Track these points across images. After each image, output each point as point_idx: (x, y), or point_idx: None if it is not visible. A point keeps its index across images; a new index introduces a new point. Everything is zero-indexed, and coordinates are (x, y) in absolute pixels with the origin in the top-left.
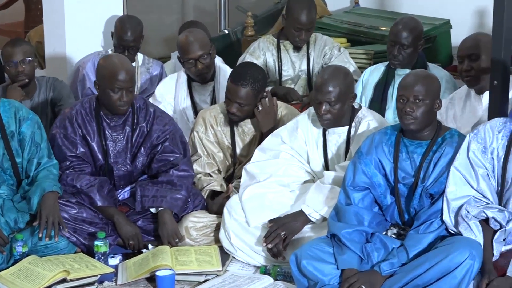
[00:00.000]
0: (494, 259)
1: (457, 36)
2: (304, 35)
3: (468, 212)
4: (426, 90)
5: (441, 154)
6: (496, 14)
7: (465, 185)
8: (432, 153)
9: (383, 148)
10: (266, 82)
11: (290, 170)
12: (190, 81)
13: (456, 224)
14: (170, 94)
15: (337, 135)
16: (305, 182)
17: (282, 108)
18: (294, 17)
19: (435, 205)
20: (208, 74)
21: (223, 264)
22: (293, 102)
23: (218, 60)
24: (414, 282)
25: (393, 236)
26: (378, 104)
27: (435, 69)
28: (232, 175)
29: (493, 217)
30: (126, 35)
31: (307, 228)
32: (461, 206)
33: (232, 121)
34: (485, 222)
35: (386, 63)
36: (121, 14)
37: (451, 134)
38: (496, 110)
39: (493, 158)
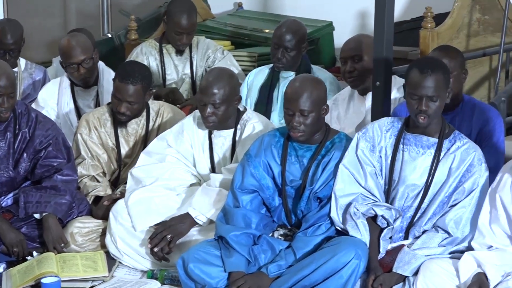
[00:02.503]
0: (380, 256)
1: (340, 38)
2: (185, 38)
3: (357, 209)
4: (311, 102)
5: (330, 158)
6: (377, 16)
7: (353, 182)
8: (321, 157)
9: (272, 151)
10: (151, 80)
11: (176, 173)
12: (73, 85)
13: (344, 221)
14: (53, 99)
15: (223, 138)
16: (192, 185)
17: (167, 110)
18: (175, 21)
19: (323, 208)
20: (91, 78)
21: (110, 269)
22: (179, 106)
23: (101, 64)
24: (302, 282)
25: (280, 237)
26: (263, 106)
27: (319, 71)
28: (118, 178)
29: (382, 215)
30: (6, 38)
31: (194, 231)
32: (349, 203)
33: (116, 122)
34: (372, 220)
35: (271, 65)
36: (0, 18)
37: (340, 138)
38: (379, 110)
39: (381, 157)
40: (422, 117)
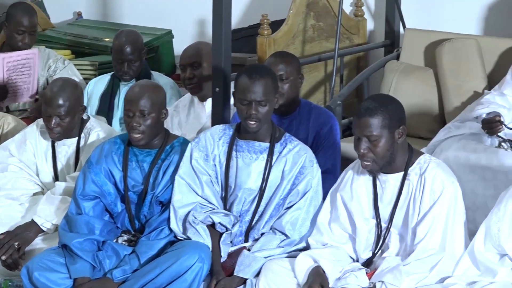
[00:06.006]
0: (222, 260)
1: (179, 46)
2: (28, 38)
3: (195, 218)
4: (151, 103)
5: (170, 162)
6: (215, 24)
7: (190, 192)
8: (161, 161)
9: (113, 158)
10: None
11: (18, 183)
12: None
13: (184, 231)
14: None
15: (67, 146)
16: (35, 194)
17: (7, 121)
18: (16, 21)
19: (165, 212)
20: None
21: None
22: (21, 116)
23: None
24: (147, 287)
25: (124, 243)
26: (105, 114)
27: (159, 77)
28: None
29: (219, 222)
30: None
31: (38, 239)
32: (188, 213)
33: None
34: (212, 226)
35: (111, 73)
36: None
37: (179, 142)
38: (219, 116)
39: (215, 165)
40: (252, 122)
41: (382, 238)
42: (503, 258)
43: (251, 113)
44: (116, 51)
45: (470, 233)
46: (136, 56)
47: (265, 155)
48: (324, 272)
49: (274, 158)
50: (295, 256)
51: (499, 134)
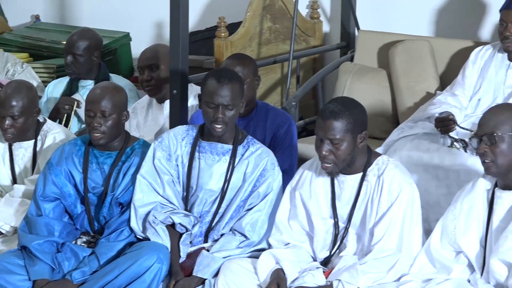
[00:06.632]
0: (181, 260)
1: (137, 48)
2: None
3: (155, 217)
4: (112, 104)
5: (130, 164)
6: (172, 26)
7: (151, 192)
8: (121, 163)
9: (73, 159)
10: None
11: None
12: None
13: (144, 230)
14: None
15: (24, 149)
16: None
17: None
18: None
19: (125, 213)
20: None
21: None
22: None
23: None
24: None
25: (83, 244)
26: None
27: (117, 79)
28: None
29: (179, 223)
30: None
31: None
32: (149, 212)
33: None
34: (171, 226)
35: None
36: None
37: (140, 144)
38: (176, 118)
39: (177, 165)
40: (219, 126)
41: (340, 238)
42: (458, 255)
43: (217, 116)
44: (66, 43)
45: (424, 232)
46: (82, 51)
47: (227, 157)
48: (285, 274)
49: (237, 160)
50: (256, 257)
51: (451, 134)
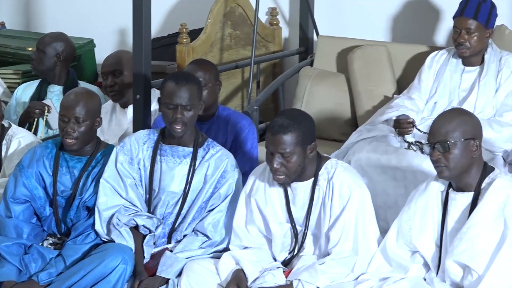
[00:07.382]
0: (145, 261)
1: (101, 54)
2: None
3: (119, 220)
4: (86, 111)
5: (100, 169)
6: (135, 33)
7: (114, 195)
8: (91, 168)
9: (44, 162)
10: None
11: None
12: None
13: (108, 233)
14: None
15: None
16: None
17: None
18: None
19: (92, 217)
20: None
21: None
22: None
23: None
24: None
25: (50, 246)
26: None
27: (85, 85)
28: None
29: (143, 225)
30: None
31: None
32: (113, 215)
33: None
34: (135, 228)
35: (39, 80)
36: None
37: (110, 150)
38: (140, 122)
39: (140, 168)
40: (178, 126)
41: (299, 241)
42: (414, 254)
43: (176, 117)
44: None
45: (382, 231)
46: (45, 48)
47: (188, 160)
48: (245, 274)
49: (197, 162)
50: (218, 257)
51: (409, 136)
